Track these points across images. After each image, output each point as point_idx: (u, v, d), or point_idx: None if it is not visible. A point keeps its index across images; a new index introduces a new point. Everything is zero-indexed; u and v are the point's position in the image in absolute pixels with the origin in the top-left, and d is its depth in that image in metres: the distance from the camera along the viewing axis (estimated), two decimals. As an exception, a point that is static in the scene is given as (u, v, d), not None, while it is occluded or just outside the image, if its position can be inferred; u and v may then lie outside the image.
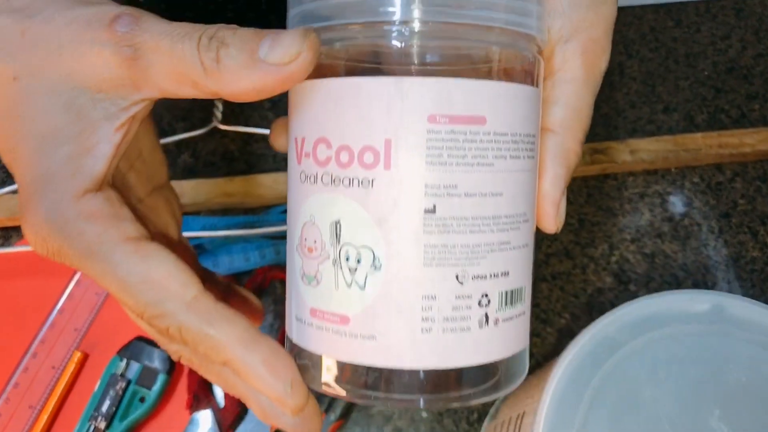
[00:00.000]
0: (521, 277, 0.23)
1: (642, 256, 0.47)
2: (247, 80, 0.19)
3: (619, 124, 0.52)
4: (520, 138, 0.22)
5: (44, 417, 0.42)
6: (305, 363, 0.24)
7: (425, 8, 0.21)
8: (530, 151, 0.22)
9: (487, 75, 0.22)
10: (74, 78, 0.20)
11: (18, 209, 0.21)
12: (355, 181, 0.22)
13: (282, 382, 0.21)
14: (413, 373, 0.22)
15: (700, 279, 0.47)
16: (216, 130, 0.51)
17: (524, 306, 0.23)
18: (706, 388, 0.26)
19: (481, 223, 0.21)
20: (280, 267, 0.46)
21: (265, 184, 0.48)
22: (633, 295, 0.45)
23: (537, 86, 0.23)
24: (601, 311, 0.30)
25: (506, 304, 0.22)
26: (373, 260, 0.22)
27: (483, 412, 0.43)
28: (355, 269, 0.22)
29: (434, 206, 0.21)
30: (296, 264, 0.24)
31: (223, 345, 0.21)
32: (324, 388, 0.24)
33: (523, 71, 0.23)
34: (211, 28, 0.20)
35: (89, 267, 0.21)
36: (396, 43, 0.22)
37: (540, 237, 0.48)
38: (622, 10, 0.57)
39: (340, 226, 0.22)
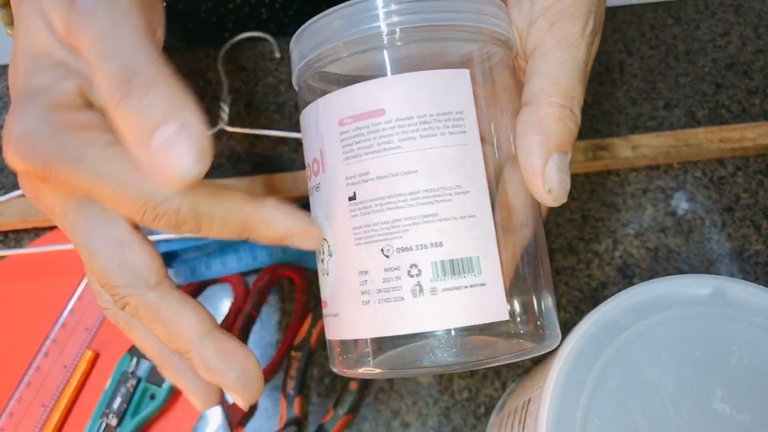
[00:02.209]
0: (465, 247, 0.23)
1: (646, 250, 0.48)
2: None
3: (620, 121, 0.52)
4: (432, 117, 0.24)
5: (56, 415, 0.43)
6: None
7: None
8: (454, 127, 0.24)
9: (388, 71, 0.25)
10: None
11: (5, 125, 0.21)
12: (314, 188, 0.26)
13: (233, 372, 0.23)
14: (362, 342, 0.25)
15: (704, 272, 0.47)
16: (223, 132, 0.52)
17: (481, 277, 0.23)
18: (708, 370, 0.26)
19: (397, 200, 0.23)
20: (287, 265, 0.47)
21: (271, 184, 0.49)
22: (637, 289, 0.45)
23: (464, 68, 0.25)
24: (606, 303, 0.30)
25: (445, 273, 0.23)
26: (329, 249, 0.25)
27: (490, 405, 0.43)
28: (323, 260, 0.26)
29: (354, 193, 0.24)
30: None
31: (185, 335, 0.22)
32: (334, 370, 0.27)
33: (432, 57, 0.25)
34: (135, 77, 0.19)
35: (75, 175, 0.20)
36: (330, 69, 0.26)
37: (544, 232, 0.48)
38: (622, 9, 0.58)
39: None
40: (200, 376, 0.23)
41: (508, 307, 0.24)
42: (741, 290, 0.28)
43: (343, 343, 0.26)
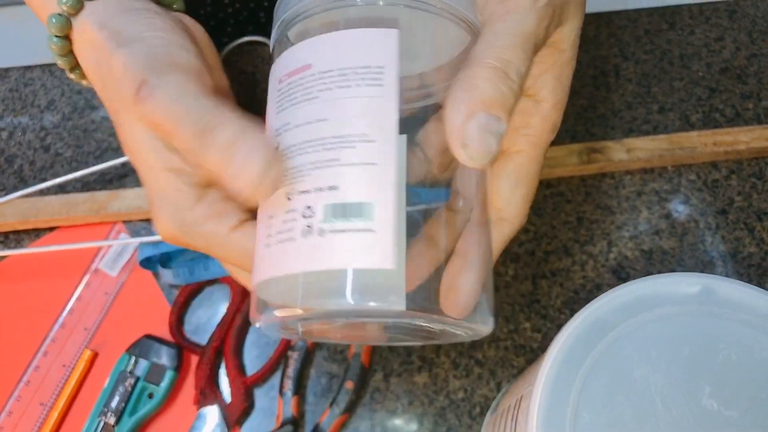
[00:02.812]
0: (361, 192, 0.23)
1: (640, 252, 0.48)
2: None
3: (615, 125, 0.53)
4: (351, 70, 0.24)
5: (55, 414, 0.43)
6: None
7: None
8: (371, 80, 0.24)
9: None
10: None
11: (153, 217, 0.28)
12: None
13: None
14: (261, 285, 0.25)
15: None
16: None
17: (372, 223, 0.23)
18: (697, 367, 0.27)
19: (307, 146, 0.24)
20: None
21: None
22: (631, 290, 0.46)
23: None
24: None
25: (335, 216, 0.23)
26: None
27: (485, 406, 0.43)
28: None
29: (278, 143, 0.25)
30: None
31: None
32: (251, 321, 0.28)
33: (359, 21, 0.26)
34: (203, 122, 0.24)
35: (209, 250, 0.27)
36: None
37: (540, 234, 0.49)
38: (617, 14, 0.58)
39: None
40: None
41: (396, 258, 0.23)
42: (729, 289, 0.28)
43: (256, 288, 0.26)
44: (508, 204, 0.28)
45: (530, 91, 0.28)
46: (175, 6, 0.31)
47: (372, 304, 0.23)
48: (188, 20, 0.31)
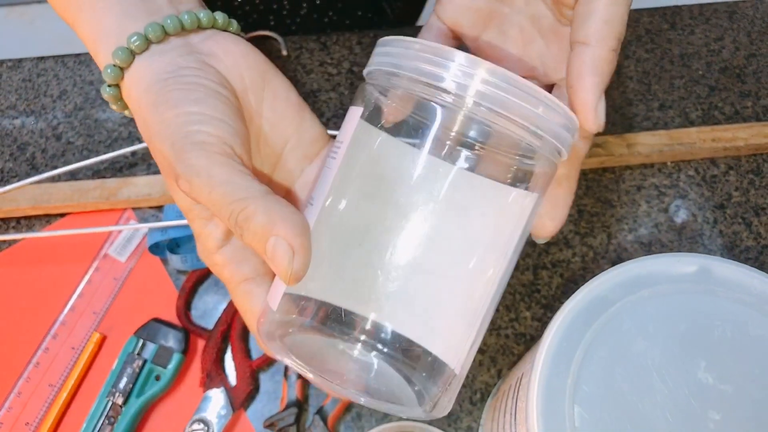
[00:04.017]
0: None
1: (639, 245, 0.49)
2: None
3: (616, 121, 0.54)
4: (338, 141, 0.28)
5: (63, 395, 0.44)
6: None
7: None
8: (334, 152, 0.28)
9: None
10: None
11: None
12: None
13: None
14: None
15: (696, 266, 0.48)
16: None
17: None
18: (693, 342, 0.28)
19: None
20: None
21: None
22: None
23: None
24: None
25: None
26: None
27: (486, 392, 0.44)
28: None
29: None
30: None
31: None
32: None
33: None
34: (237, 210, 0.26)
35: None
36: None
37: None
38: (618, 14, 0.59)
39: None
40: None
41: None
42: (725, 268, 0.29)
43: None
44: (596, 32, 0.28)
45: None
46: (231, 29, 0.33)
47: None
48: (238, 49, 0.31)
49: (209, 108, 0.28)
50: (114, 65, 0.29)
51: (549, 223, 0.30)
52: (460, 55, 0.23)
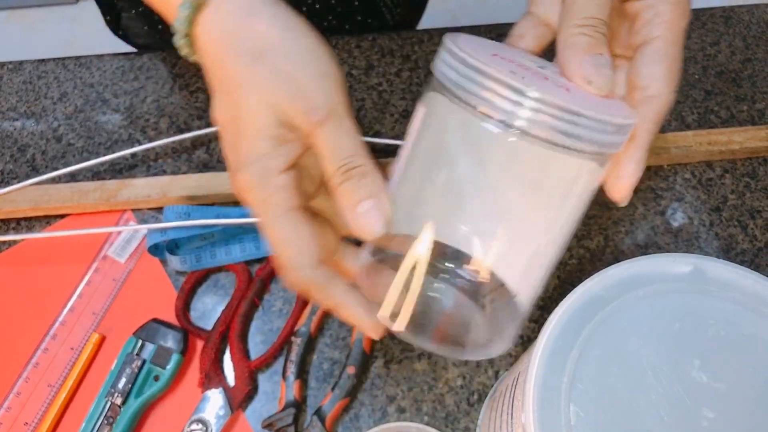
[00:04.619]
0: None
1: (636, 247, 0.49)
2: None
3: (613, 124, 0.54)
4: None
5: (62, 395, 0.44)
6: None
7: None
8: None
9: None
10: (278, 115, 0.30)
11: (232, 168, 0.31)
12: None
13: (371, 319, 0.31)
14: None
15: (692, 269, 0.48)
16: (229, 127, 0.54)
17: None
18: (687, 341, 0.28)
19: None
20: (289, 255, 0.48)
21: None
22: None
23: None
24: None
25: None
26: None
27: (483, 393, 0.44)
28: None
29: None
30: None
31: (336, 298, 0.31)
32: None
33: None
34: (354, 169, 0.29)
35: (265, 219, 0.30)
36: None
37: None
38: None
39: None
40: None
41: None
42: (719, 268, 0.29)
43: None
44: (652, 80, 0.30)
45: None
46: None
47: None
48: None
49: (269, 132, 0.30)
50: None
51: (616, 182, 0.30)
52: (530, 90, 0.24)
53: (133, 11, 0.64)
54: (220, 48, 0.30)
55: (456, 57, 0.26)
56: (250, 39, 0.29)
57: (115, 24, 0.67)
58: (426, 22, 0.80)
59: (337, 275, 0.31)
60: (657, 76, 0.30)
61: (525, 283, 0.29)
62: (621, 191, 0.30)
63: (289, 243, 0.30)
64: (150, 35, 0.66)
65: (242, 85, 0.29)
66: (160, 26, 0.64)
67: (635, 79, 0.30)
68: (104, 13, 0.67)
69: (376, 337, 0.32)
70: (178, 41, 0.32)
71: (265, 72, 0.29)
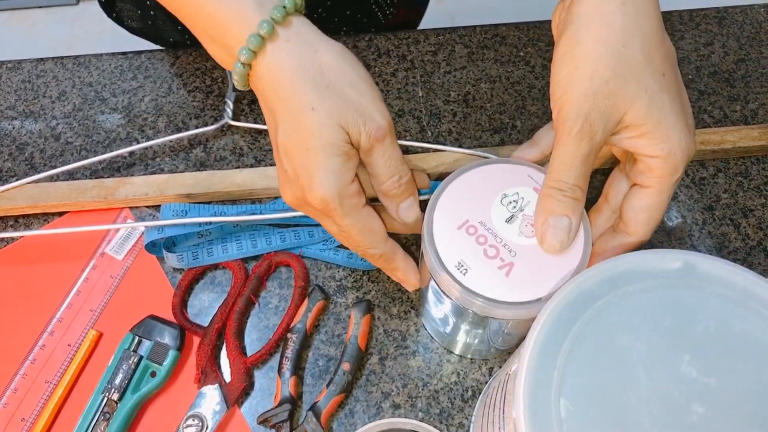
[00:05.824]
0: None
1: (630, 246, 0.50)
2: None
3: (607, 124, 0.55)
4: None
5: (59, 391, 0.44)
6: None
7: None
8: None
9: None
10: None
11: (304, 181, 0.35)
12: None
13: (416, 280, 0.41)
14: None
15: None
16: (227, 126, 0.54)
17: None
18: (677, 336, 0.28)
19: None
20: (285, 253, 0.48)
21: (271, 176, 0.51)
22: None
23: None
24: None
25: None
26: None
27: (477, 389, 0.45)
28: None
29: None
30: None
31: (398, 263, 0.40)
32: None
33: None
34: (403, 179, 0.38)
35: (345, 220, 0.36)
36: None
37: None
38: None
39: None
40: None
41: None
42: (709, 264, 0.30)
43: None
44: (635, 224, 0.36)
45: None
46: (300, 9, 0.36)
47: None
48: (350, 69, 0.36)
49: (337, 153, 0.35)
50: (248, 49, 0.34)
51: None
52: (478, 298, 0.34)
53: None
54: (290, 79, 0.34)
55: (432, 246, 0.35)
56: (318, 70, 0.34)
57: (109, 6, 0.67)
58: (424, 22, 0.81)
59: (397, 246, 0.40)
60: (639, 222, 0.36)
61: None
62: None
63: (369, 230, 0.37)
64: (142, 19, 0.66)
65: (316, 110, 0.34)
66: (152, 12, 0.64)
67: (623, 212, 0.36)
68: None
69: (412, 289, 0.42)
70: (237, 77, 0.35)
71: (334, 98, 0.34)
